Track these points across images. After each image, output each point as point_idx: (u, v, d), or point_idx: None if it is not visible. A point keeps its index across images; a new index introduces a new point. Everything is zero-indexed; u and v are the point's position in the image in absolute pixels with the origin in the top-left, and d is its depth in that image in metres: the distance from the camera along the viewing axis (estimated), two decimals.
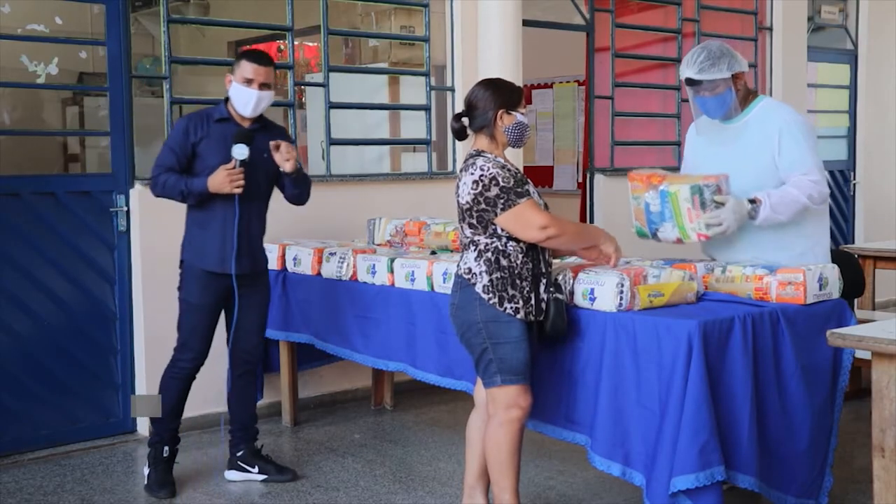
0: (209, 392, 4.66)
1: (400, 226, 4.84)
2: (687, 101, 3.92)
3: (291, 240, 4.97)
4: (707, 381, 3.08)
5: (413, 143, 6.12)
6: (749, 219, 3.58)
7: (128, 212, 4.87)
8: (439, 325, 4.02)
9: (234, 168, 3.89)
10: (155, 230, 4.88)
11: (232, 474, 4.29)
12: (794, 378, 3.36)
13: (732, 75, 3.68)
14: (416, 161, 6.31)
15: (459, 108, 5.99)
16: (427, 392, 4.32)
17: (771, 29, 7.68)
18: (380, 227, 4.92)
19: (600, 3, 6.70)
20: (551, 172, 8.33)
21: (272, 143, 4.01)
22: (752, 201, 3.58)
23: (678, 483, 3.03)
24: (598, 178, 6.70)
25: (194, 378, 4.16)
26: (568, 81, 8.10)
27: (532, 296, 3.31)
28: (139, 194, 4.86)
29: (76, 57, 5.30)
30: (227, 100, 4.05)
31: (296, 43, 5.48)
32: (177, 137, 4.01)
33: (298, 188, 4.14)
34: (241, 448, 4.29)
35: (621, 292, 3.32)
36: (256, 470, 4.27)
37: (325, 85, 5.55)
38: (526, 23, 6.03)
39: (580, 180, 7.74)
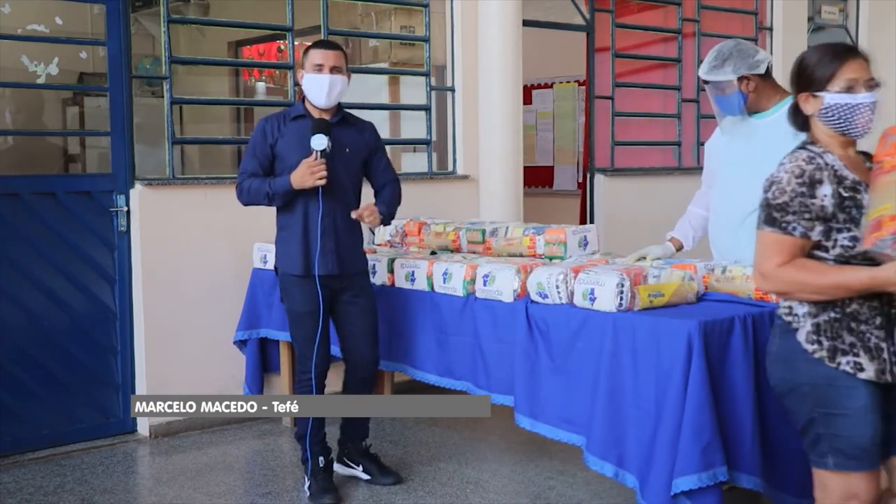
0: (208, 392, 4.66)
1: (400, 226, 4.84)
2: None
3: None
4: (708, 382, 3.08)
5: (413, 143, 6.12)
6: None
7: (128, 212, 4.87)
8: (439, 325, 4.03)
9: (315, 160, 3.75)
10: (155, 230, 4.88)
11: (338, 467, 4.25)
12: None
13: (738, 77, 3.64)
14: (416, 161, 6.32)
15: (460, 108, 6.07)
16: (427, 392, 4.32)
17: (771, 29, 7.68)
18: (380, 228, 4.91)
19: (600, 3, 6.70)
20: (551, 172, 8.33)
21: (354, 214, 3.89)
22: None
23: (680, 484, 3.03)
24: (599, 178, 6.69)
25: (324, 386, 3.99)
26: (568, 81, 8.09)
27: (885, 345, 2.48)
28: (139, 194, 4.85)
29: (76, 57, 5.29)
30: (304, 99, 3.96)
31: (296, 43, 5.47)
32: (255, 140, 3.91)
33: (389, 217, 4.09)
34: (347, 445, 4.27)
35: (621, 292, 3.31)
36: (361, 468, 4.25)
37: None
38: (526, 23, 6.03)
39: (580, 180, 7.74)
